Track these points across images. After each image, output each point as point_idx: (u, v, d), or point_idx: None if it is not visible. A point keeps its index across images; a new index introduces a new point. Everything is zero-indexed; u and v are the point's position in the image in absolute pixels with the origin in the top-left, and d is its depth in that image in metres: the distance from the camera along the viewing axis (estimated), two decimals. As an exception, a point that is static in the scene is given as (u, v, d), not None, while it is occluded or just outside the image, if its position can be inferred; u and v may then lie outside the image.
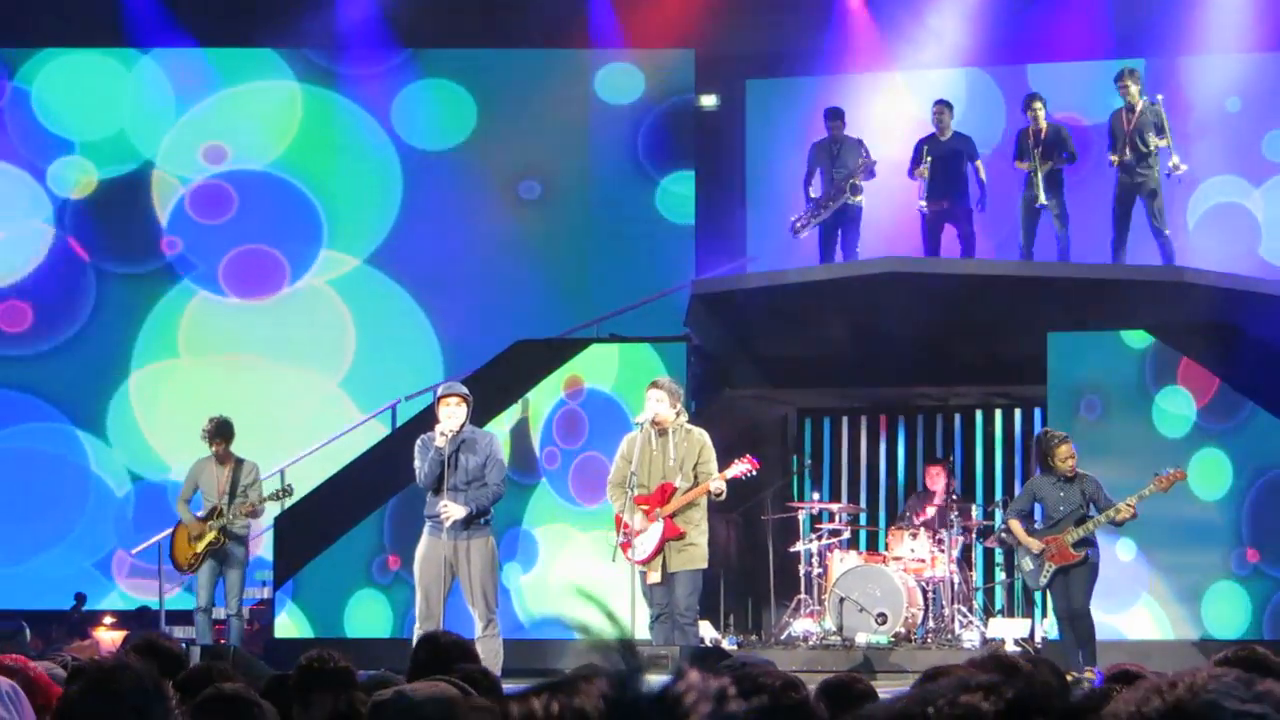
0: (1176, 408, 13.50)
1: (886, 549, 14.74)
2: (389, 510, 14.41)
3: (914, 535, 14.43)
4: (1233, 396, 13.44)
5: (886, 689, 5.94)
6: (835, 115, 15.93)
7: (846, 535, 14.98)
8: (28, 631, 14.05)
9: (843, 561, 14.26)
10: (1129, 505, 11.74)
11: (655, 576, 11.02)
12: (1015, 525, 12.13)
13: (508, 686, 5.05)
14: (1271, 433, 13.35)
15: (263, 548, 15.53)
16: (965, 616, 14.20)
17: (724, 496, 11.24)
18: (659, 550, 10.99)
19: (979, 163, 15.40)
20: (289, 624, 14.53)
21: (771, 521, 15.35)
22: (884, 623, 13.75)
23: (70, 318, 17.66)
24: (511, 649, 11.36)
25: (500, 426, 14.14)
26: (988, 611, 14.93)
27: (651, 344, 14.60)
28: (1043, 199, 14.90)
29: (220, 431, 13.17)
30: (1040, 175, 14.90)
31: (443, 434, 10.89)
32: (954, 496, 15.04)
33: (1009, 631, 13.90)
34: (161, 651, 5.70)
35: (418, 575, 11.01)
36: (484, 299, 17.42)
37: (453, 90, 17.88)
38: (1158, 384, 13.56)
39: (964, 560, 14.85)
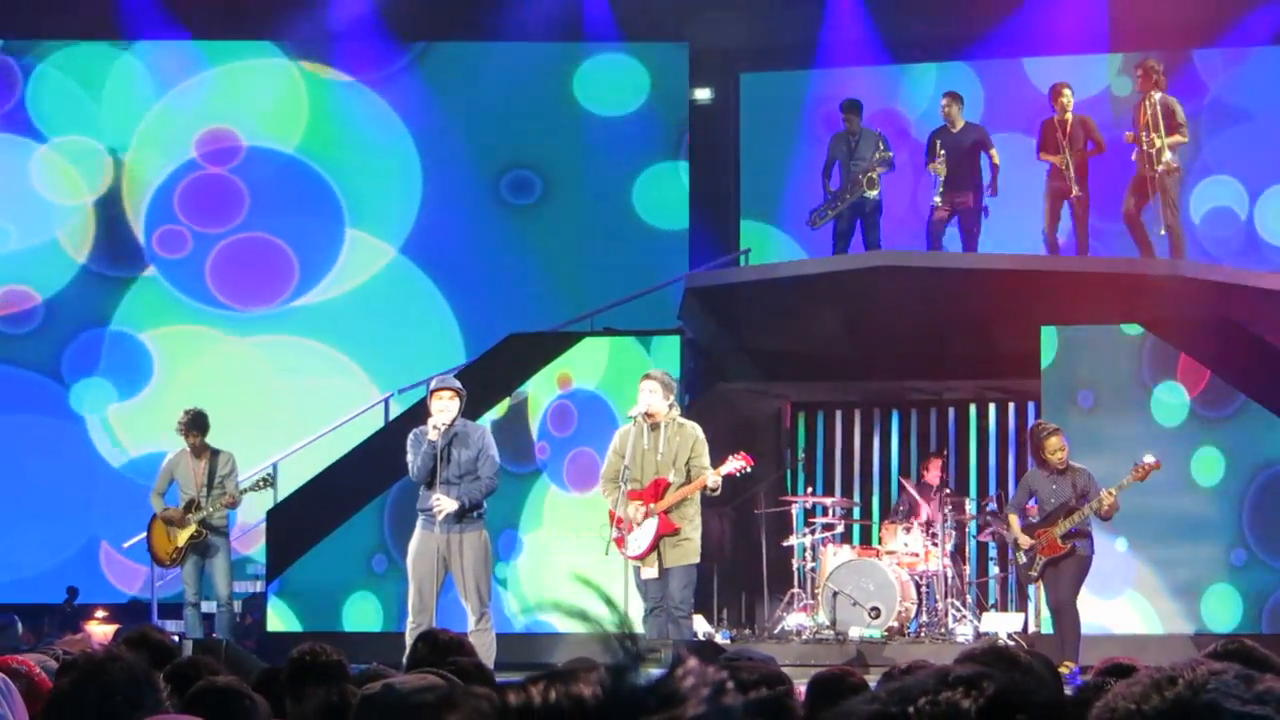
0: (1171, 401, 13.49)
1: (880, 543, 14.74)
2: (381, 504, 14.38)
3: (907, 529, 14.42)
4: (1225, 390, 13.43)
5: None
6: (850, 108, 15.60)
7: (840, 529, 14.96)
8: (19, 625, 14.02)
9: (836, 555, 14.24)
10: (1110, 494, 11.84)
11: (651, 572, 10.96)
12: (1013, 519, 12.22)
13: (500, 680, 5.03)
14: (1266, 427, 13.33)
15: (255, 543, 15.48)
16: (959, 610, 14.19)
17: (719, 492, 11.22)
18: (654, 546, 10.95)
19: (993, 150, 14.99)
20: (281, 618, 14.51)
21: (765, 515, 15.34)
22: (877, 617, 13.74)
23: (67, 310, 17.61)
24: (504, 643, 11.33)
25: (495, 418, 14.11)
26: (981, 605, 14.94)
27: (645, 338, 14.58)
28: (1075, 190, 14.66)
29: (195, 424, 13.05)
30: (1071, 167, 14.70)
31: (435, 427, 10.86)
32: (947, 490, 15.03)
33: (1002, 625, 13.88)
34: (153, 644, 5.69)
35: (411, 569, 10.98)
36: (477, 293, 17.40)
37: (446, 83, 17.84)
38: (1153, 378, 13.54)
39: (957, 554, 14.84)
